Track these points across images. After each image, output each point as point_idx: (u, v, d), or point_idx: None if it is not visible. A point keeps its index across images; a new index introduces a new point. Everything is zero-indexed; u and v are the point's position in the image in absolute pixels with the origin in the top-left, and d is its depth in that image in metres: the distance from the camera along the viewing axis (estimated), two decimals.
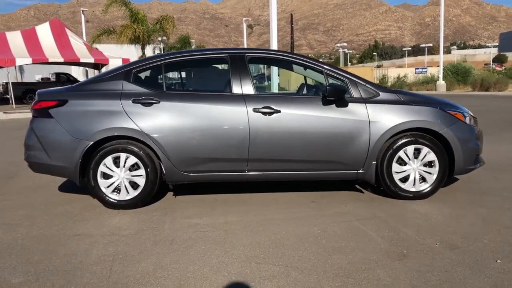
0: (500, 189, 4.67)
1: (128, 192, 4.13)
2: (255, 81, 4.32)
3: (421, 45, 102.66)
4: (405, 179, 4.27)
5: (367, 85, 4.32)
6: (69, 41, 21.46)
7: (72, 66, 31.44)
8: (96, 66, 24.46)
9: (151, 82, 4.59)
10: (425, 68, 45.78)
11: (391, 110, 4.19)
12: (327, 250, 3.11)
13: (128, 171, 4.12)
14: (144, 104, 4.10)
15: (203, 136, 4.09)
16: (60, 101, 4.14)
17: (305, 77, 5.20)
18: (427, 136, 4.22)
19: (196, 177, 4.21)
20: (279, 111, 4.11)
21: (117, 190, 4.14)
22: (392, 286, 2.57)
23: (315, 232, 3.47)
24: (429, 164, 4.26)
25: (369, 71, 43.80)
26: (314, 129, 4.13)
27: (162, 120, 4.08)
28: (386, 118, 4.17)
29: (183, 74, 6.24)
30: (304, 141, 4.14)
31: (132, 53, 27.79)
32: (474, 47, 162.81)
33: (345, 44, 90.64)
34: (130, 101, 4.10)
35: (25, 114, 16.76)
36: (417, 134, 4.22)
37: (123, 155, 4.08)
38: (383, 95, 4.27)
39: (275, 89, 14.57)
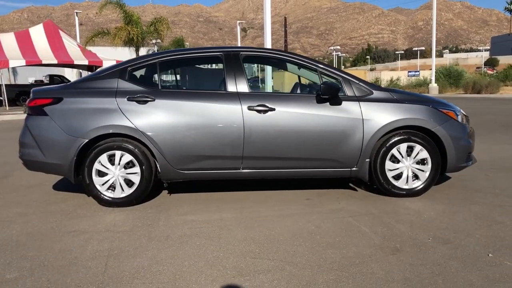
0: (491, 187, 4.73)
1: (123, 190, 4.14)
2: (249, 84, 4.34)
3: (413, 49, 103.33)
4: (398, 177, 4.32)
5: (360, 83, 4.37)
6: (63, 43, 21.39)
7: (66, 68, 31.29)
8: (90, 68, 24.36)
9: (146, 80, 4.61)
10: (418, 72, 46.09)
11: (384, 108, 4.23)
12: (322, 245, 3.14)
13: (123, 169, 4.13)
14: (139, 102, 4.11)
15: (198, 134, 4.10)
16: (55, 99, 4.14)
17: (299, 77, 5.24)
18: (420, 134, 4.27)
19: (191, 175, 4.23)
20: (274, 109, 4.14)
21: (112, 187, 4.14)
22: (385, 279, 2.60)
23: (310, 228, 3.50)
24: (422, 161, 4.31)
25: (362, 74, 44.11)
26: (308, 127, 4.17)
27: (157, 118, 4.09)
28: (380, 116, 4.21)
29: (178, 72, 6.26)
30: (298, 139, 4.17)
31: (126, 55, 27.73)
32: (466, 51, 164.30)
33: (338, 47, 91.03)
34: (125, 99, 4.11)
35: (18, 115, 16.68)
36: (410, 132, 4.26)
37: (118, 153, 4.09)
38: (376, 94, 4.32)
39: (269, 90, 14.62)
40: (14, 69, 31.80)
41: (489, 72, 54.99)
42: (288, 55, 4.62)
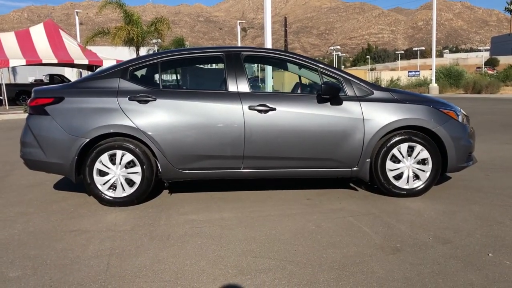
0: (492, 187, 4.74)
1: (124, 189, 4.15)
2: (250, 84, 4.36)
3: (413, 49, 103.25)
4: (398, 177, 4.33)
5: (361, 83, 4.38)
6: (63, 43, 21.40)
7: (66, 68, 31.30)
8: (90, 67, 24.38)
9: (147, 79, 4.62)
10: (418, 72, 46.10)
11: (385, 108, 4.24)
12: (322, 245, 3.15)
13: (124, 168, 4.14)
14: (140, 102, 4.12)
15: (199, 133, 4.12)
16: (56, 98, 4.15)
17: (299, 77, 5.25)
18: (420, 134, 4.28)
19: (191, 174, 4.24)
20: (275, 109, 4.15)
21: (113, 187, 4.16)
22: (386, 278, 2.61)
23: (310, 228, 3.51)
24: (423, 161, 4.32)
25: (362, 74, 44.12)
26: (309, 126, 4.18)
27: (158, 117, 4.10)
28: (380, 116, 4.22)
29: (179, 72, 6.27)
30: (299, 138, 4.18)
31: (126, 55, 27.75)
32: (466, 51, 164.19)
33: (338, 47, 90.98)
34: (127, 99, 4.12)
35: (18, 115, 16.70)
36: (411, 132, 4.28)
37: (119, 152, 4.10)
38: (377, 94, 4.33)
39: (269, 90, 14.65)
40: (14, 68, 31.76)
41: (489, 72, 54.96)
42: (289, 55, 4.63)
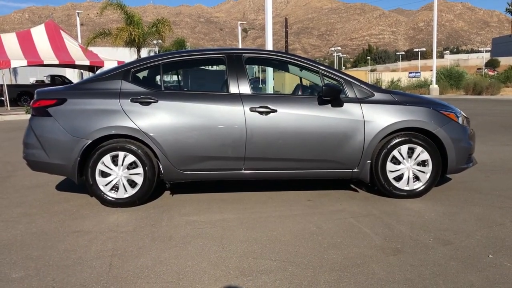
0: (491, 188, 4.76)
1: (126, 190, 4.17)
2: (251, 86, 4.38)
3: (414, 50, 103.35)
4: (399, 178, 4.35)
5: (362, 85, 4.40)
6: (64, 44, 21.44)
7: (67, 69, 31.33)
8: (91, 68, 24.41)
9: (149, 81, 4.65)
10: (418, 73, 46.17)
11: (386, 110, 4.26)
12: (323, 246, 3.17)
13: (126, 170, 4.16)
14: (142, 103, 4.14)
15: (201, 135, 4.14)
16: (59, 100, 4.17)
17: (300, 78, 5.27)
18: (420, 136, 4.30)
19: (193, 175, 4.26)
20: (276, 111, 4.17)
21: (115, 188, 4.18)
22: (386, 280, 2.63)
23: (311, 229, 3.53)
24: (423, 163, 4.34)
25: (363, 75, 44.17)
26: (310, 128, 4.20)
27: (160, 119, 4.13)
28: (381, 118, 4.24)
29: (181, 74, 6.30)
30: (300, 140, 4.20)
31: (127, 55, 27.78)
32: (467, 52, 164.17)
33: (339, 48, 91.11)
34: (129, 100, 4.14)
35: (20, 116, 16.71)
36: (411, 134, 4.30)
37: (121, 154, 4.12)
38: (377, 95, 4.35)
39: (270, 91, 14.70)
40: (15, 69, 31.83)
41: (490, 73, 54.97)
42: (290, 57, 4.65)
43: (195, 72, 6.23)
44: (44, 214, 4.05)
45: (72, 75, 37.09)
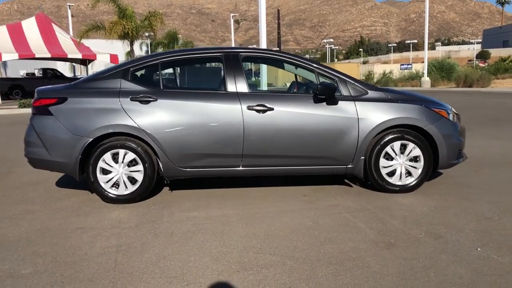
0: (481, 182, 4.92)
1: (126, 187, 4.27)
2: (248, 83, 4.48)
3: (406, 41, 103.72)
4: (392, 174, 4.49)
5: (356, 83, 4.52)
6: (56, 37, 21.32)
7: (58, 61, 31.12)
8: (84, 61, 24.32)
9: (148, 80, 4.73)
10: (410, 64, 46.33)
11: (379, 108, 4.39)
12: (320, 240, 3.30)
13: (127, 167, 4.25)
14: (141, 102, 4.23)
15: (199, 132, 4.24)
16: (60, 99, 4.25)
17: (295, 75, 5.38)
18: (412, 133, 4.44)
19: (192, 172, 4.37)
20: (272, 109, 4.28)
21: (116, 185, 4.28)
22: (381, 273, 2.77)
23: (308, 224, 3.66)
24: (415, 159, 4.48)
25: (355, 67, 44.24)
26: (306, 126, 4.32)
27: (159, 117, 4.22)
28: (374, 115, 4.37)
29: (180, 73, 6.38)
30: (296, 137, 4.32)
31: (119, 48, 27.68)
32: (458, 43, 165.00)
33: (331, 40, 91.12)
34: (128, 99, 4.23)
35: (12, 110, 16.62)
36: (403, 131, 4.43)
37: (121, 151, 4.22)
38: (371, 93, 4.47)
39: (264, 85, 14.83)
40: (4, 62, 31.54)
41: (481, 65, 55.41)
42: (286, 56, 4.76)
43: (193, 71, 6.30)
44: (47, 210, 4.14)
45: (64, 68, 36.83)
